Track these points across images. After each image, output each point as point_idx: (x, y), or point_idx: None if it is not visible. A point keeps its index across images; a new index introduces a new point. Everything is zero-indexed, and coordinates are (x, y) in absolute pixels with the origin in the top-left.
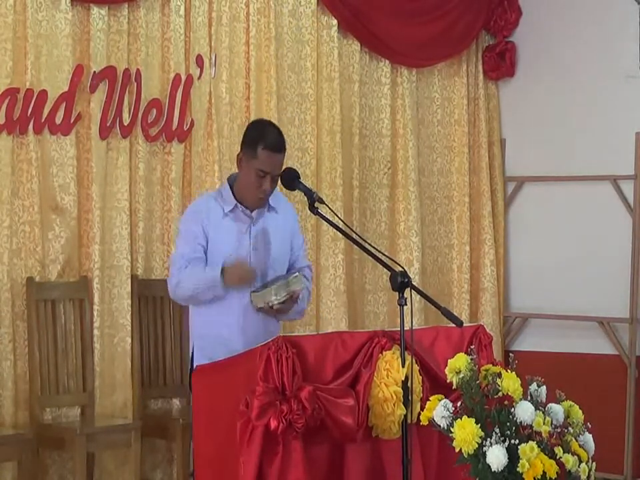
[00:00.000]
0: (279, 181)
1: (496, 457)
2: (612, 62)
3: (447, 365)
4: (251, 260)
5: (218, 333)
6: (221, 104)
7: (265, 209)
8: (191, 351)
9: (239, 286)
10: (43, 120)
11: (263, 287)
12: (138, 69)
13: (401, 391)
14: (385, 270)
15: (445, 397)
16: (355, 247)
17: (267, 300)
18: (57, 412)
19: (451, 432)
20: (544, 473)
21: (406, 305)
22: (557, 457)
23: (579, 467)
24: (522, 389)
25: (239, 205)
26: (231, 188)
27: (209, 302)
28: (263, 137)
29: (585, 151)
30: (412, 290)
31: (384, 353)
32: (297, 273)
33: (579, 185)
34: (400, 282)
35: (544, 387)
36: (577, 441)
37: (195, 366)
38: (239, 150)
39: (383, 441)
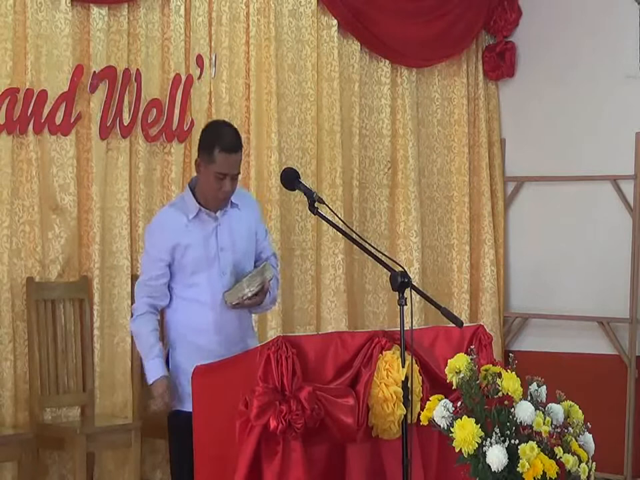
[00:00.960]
0: (280, 182)
1: (496, 456)
2: (612, 62)
3: (446, 365)
4: (219, 261)
5: (192, 338)
6: (221, 104)
7: (227, 207)
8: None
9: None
10: (42, 120)
11: (233, 285)
12: (138, 69)
13: (401, 391)
14: (385, 270)
15: (445, 397)
16: (355, 246)
17: (240, 294)
18: (57, 412)
19: (451, 432)
20: (544, 472)
21: (406, 305)
22: (557, 457)
23: (578, 466)
24: (522, 389)
25: (202, 208)
26: (192, 192)
27: (180, 306)
28: (218, 140)
29: (585, 151)
30: (412, 290)
31: (384, 352)
32: (265, 262)
33: (579, 185)
34: (400, 282)
35: (544, 386)
36: (576, 440)
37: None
38: (197, 155)
39: (382, 441)
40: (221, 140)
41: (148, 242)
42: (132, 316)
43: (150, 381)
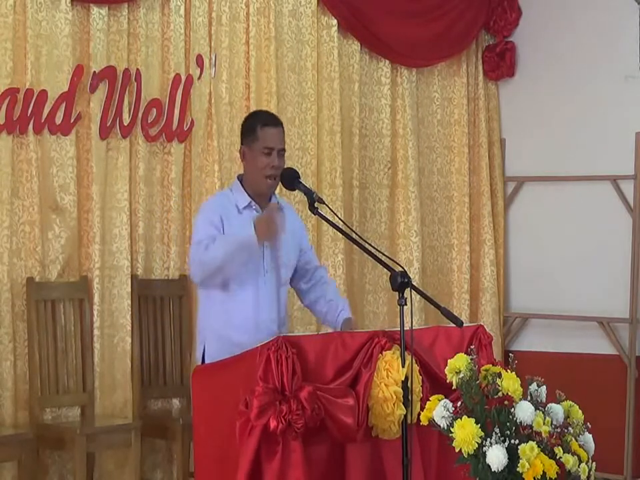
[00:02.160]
0: (280, 182)
1: (496, 456)
2: (612, 62)
3: (446, 365)
4: (264, 257)
5: (231, 334)
6: (221, 104)
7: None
8: (201, 351)
9: (269, 236)
10: (42, 120)
11: None
12: (138, 69)
13: (401, 391)
14: (385, 270)
15: (445, 397)
16: (355, 246)
17: None
18: (57, 412)
19: (451, 432)
20: (544, 473)
21: (406, 304)
22: (557, 457)
23: (578, 467)
24: (522, 389)
25: (252, 202)
26: (242, 185)
27: (219, 300)
28: (258, 118)
29: (585, 151)
30: (412, 290)
31: (384, 353)
32: None
33: (579, 185)
34: (400, 282)
35: (544, 386)
36: (576, 440)
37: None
38: (240, 145)
39: (382, 441)
40: (261, 117)
41: (202, 217)
42: (195, 261)
43: (251, 231)
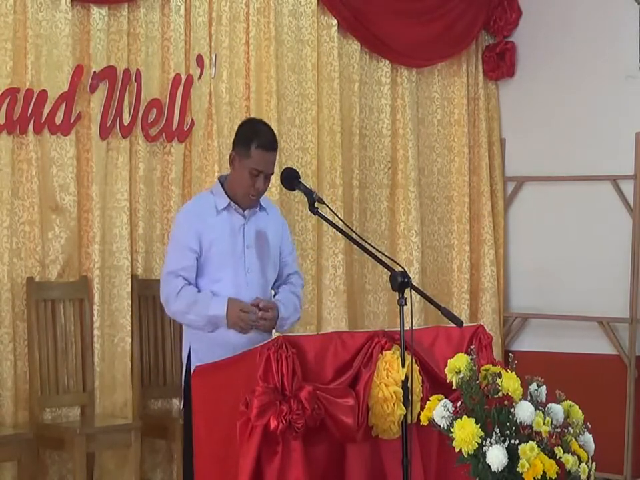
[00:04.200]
0: (280, 182)
1: (496, 456)
2: (612, 62)
3: (446, 365)
4: (245, 259)
5: (217, 333)
6: (221, 104)
7: (256, 208)
8: (186, 352)
9: (236, 327)
10: (42, 120)
11: None
12: (138, 69)
13: (401, 391)
14: (385, 270)
15: (445, 397)
16: (355, 246)
17: None
18: (57, 412)
19: (451, 432)
20: (544, 472)
21: (406, 304)
22: (557, 457)
23: (578, 467)
24: (522, 389)
25: (232, 203)
26: (222, 187)
27: None
28: (256, 136)
29: (585, 151)
30: (412, 290)
31: (384, 352)
32: None
33: (579, 185)
34: (400, 282)
35: (544, 386)
36: (576, 440)
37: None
38: (232, 149)
39: (382, 441)
40: (259, 136)
41: (177, 231)
42: (168, 303)
43: (222, 313)
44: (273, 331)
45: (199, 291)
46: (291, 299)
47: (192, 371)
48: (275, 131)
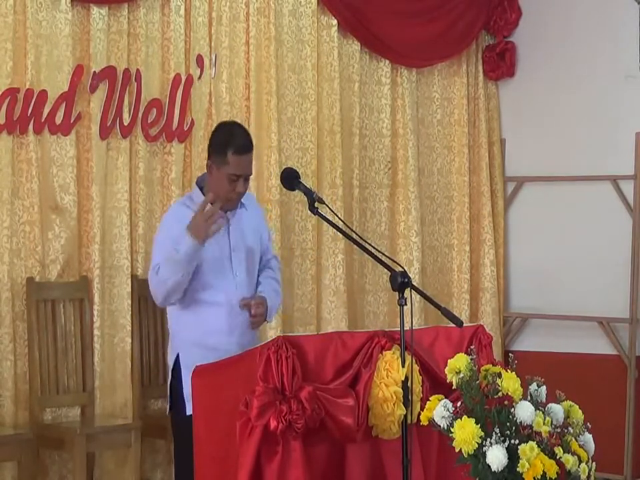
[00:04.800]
0: (280, 182)
1: (496, 456)
2: (612, 62)
3: (446, 365)
4: (232, 262)
5: (206, 340)
6: (221, 104)
7: (237, 207)
8: (173, 359)
9: (207, 232)
10: (42, 120)
11: None
12: (138, 69)
13: (401, 391)
14: (385, 270)
15: (445, 397)
16: (355, 246)
17: None
18: (57, 412)
19: (451, 432)
20: (544, 472)
21: (406, 305)
22: (557, 457)
23: (578, 467)
24: (522, 389)
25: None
26: (201, 190)
27: (192, 308)
28: (230, 142)
29: (585, 151)
30: (412, 290)
31: (384, 353)
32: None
33: (579, 185)
34: (400, 282)
35: (544, 386)
36: (576, 440)
37: (183, 374)
38: (207, 156)
39: (382, 441)
40: (234, 141)
41: (161, 234)
42: (155, 292)
43: (192, 241)
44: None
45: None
46: (272, 286)
47: (182, 374)
48: (275, 131)
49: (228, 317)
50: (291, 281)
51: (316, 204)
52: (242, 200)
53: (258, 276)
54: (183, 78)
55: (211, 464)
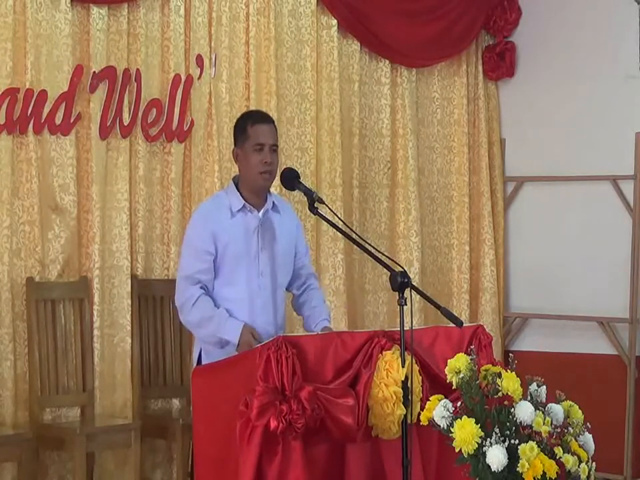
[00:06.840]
0: (280, 182)
1: (496, 456)
2: (612, 62)
3: (446, 365)
4: (259, 261)
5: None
6: (221, 104)
7: (269, 207)
8: (197, 353)
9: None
10: (42, 120)
11: None
12: (138, 69)
13: (401, 391)
14: (385, 270)
15: (445, 397)
16: (355, 247)
17: None
18: (57, 412)
19: (451, 432)
20: (544, 472)
21: (406, 304)
22: (557, 457)
23: (578, 466)
24: (522, 389)
25: (246, 204)
26: (237, 188)
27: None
28: (248, 117)
29: (585, 151)
30: (412, 290)
31: (384, 353)
32: None
33: (579, 185)
34: (400, 282)
35: (544, 386)
36: (576, 441)
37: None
38: (233, 147)
39: (382, 441)
40: (251, 116)
41: (191, 233)
42: (182, 311)
43: (235, 340)
44: None
45: (215, 304)
46: (326, 310)
47: None
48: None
49: (249, 316)
50: None
51: (316, 204)
52: (277, 204)
53: (302, 293)
54: (183, 78)
55: (211, 464)
